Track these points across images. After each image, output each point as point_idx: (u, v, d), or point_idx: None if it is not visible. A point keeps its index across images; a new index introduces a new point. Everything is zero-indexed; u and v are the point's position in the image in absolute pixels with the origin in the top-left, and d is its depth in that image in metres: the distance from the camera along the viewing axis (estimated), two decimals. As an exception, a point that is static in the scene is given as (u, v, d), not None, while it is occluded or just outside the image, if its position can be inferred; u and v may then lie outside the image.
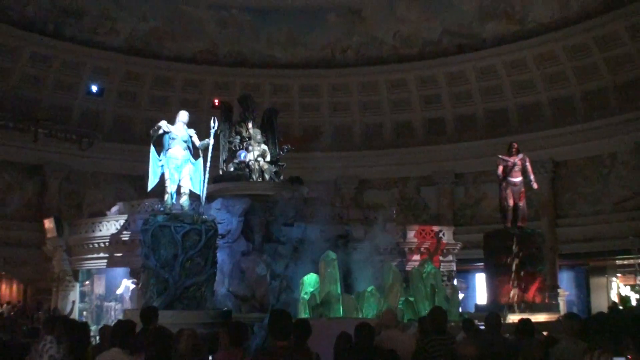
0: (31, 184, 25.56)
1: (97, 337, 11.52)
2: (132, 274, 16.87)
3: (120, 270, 18.87)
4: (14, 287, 26.29)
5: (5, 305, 21.71)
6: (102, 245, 18.47)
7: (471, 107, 27.30)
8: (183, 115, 13.48)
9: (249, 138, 19.16)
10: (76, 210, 25.85)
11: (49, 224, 20.78)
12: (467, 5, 25.72)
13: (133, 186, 27.23)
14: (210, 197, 15.40)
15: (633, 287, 25.14)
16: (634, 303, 23.30)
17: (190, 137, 13.41)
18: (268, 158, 18.85)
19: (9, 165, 25.01)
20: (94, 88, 26.32)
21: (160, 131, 13.13)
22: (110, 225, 18.42)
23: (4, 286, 26.67)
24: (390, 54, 27.43)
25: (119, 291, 16.42)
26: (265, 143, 19.26)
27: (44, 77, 25.32)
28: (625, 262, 25.51)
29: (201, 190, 13.41)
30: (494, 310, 9.79)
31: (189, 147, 13.37)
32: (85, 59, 25.79)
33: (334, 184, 27.03)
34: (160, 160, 13.20)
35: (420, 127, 28.00)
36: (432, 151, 27.49)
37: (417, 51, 27.15)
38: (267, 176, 18.62)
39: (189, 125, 13.68)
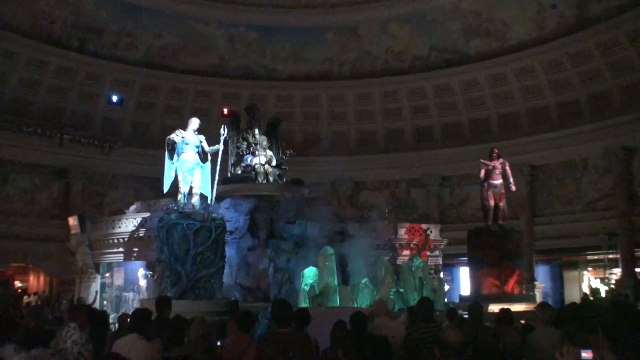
0: (57, 185, 25.51)
1: (116, 324, 11.53)
2: (148, 267, 16.85)
3: (137, 263, 18.84)
4: (41, 278, 26.27)
5: (32, 295, 21.69)
6: (121, 240, 18.49)
7: (456, 116, 27.26)
8: (195, 123, 13.50)
9: (255, 144, 19.09)
10: (98, 209, 25.77)
11: (73, 221, 20.78)
12: (452, 24, 25.65)
13: (149, 187, 27.10)
14: (219, 197, 15.40)
15: (602, 280, 25.15)
16: (603, 294, 23.26)
17: (201, 142, 13.44)
18: (274, 162, 18.80)
19: (37, 168, 24.98)
20: (115, 98, 26.32)
21: (177, 140, 13.14)
22: (129, 223, 18.44)
23: (32, 278, 26.67)
24: (383, 68, 27.39)
25: (140, 282, 16.32)
26: (269, 148, 19.21)
27: (69, 88, 25.27)
28: (596, 257, 25.61)
29: (210, 190, 13.41)
30: (477, 301, 9.76)
31: (199, 152, 13.39)
32: (106, 71, 25.73)
33: (331, 186, 27.02)
34: (174, 164, 13.20)
35: (410, 134, 27.97)
36: (421, 156, 27.46)
37: (407, 65, 27.08)
38: (271, 178, 18.54)
39: (200, 131, 13.72)
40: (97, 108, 26.16)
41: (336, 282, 14.47)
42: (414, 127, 27.88)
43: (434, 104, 27.32)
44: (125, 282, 19.61)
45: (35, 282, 26.47)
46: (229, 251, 14.52)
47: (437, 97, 27.17)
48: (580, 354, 4.92)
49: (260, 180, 18.26)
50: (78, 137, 25.24)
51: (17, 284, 25.56)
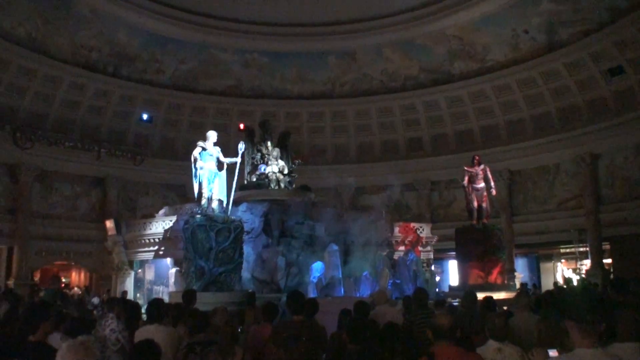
0: (95, 193, 25.55)
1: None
2: (176, 263, 16.79)
3: (166, 260, 18.80)
4: (82, 274, 26.33)
5: (75, 289, 21.71)
6: (152, 240, 18.45)
7: (443, 129, 27.16)
8: (213, 136, 13.47)
9: (268, 155, 19.11)
10: (131, 213, 25.77)
11: (109, 224, 20.76)
12: (439, 49, 25.59)
13: (175, 193, 27.23)
14: (237, 202, 15.36)
15: (574, 270, 25.00)
16: (575, 283, 23.15)
17: (218, 153, 13.43)
18: (285, 171, 18.78)
19: (78, 178, 25.05)
20: (145, 116, 26.43)
21: (199, 152, 13.13)
22: (159, 225, 18.40)
23: (74, 274, 26.72)
24: (379, 87, 27.34)
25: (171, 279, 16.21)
26: (280, 158, 19.20)
27: (105, 108, 25.36)
28: (568, 250, 25.48)
29: (227, 196, 13.37)
30: (472, 290, 9.69)
31: (217, 162, 13.39)
32: (137, 93, 25.79)
33: (335, 191, 26.96)
34: (198, 173, 13.21)
35: (403, 144, 27.92)
36: (413, 164, 27.36)
37: (400, 85, 27.05)
38: (282, 185, 18.54)
39: (220, 144, 13.71)
40: (130, 125, 26.21)
41: (340, 275, 14.45)
42: (406, 138, 27.83)
43: (423, 118, 27.25)
44: (156, 277, 19.53)
45: (77, 277, 26.54)
46: (246, 249, 14.48)
47: (426, 112, 27.10)
48: (547, 354, 4.89)
49: (272, 186, 18.25)
50: (113, 150, 25.31)
51: (62, 279, 25.62)
